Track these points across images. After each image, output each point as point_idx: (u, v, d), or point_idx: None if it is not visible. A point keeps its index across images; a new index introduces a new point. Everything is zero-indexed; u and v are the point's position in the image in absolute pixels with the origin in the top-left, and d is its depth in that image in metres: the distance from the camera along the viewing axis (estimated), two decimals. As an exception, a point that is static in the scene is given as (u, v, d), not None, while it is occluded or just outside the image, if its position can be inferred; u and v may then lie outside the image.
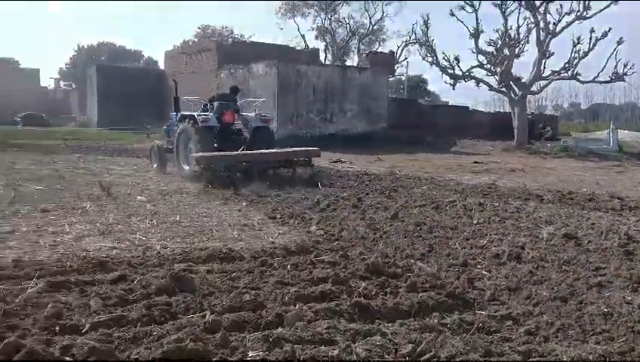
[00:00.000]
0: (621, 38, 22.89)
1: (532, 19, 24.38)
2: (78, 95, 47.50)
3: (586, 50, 23.44)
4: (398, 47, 43.55)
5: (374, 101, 26.53)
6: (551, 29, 24.04)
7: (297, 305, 3.35)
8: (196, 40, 43.05)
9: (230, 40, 42.36)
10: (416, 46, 29.74)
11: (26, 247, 4.89)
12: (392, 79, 39.22)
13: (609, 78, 23.86)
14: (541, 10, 24.15)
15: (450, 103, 38.85)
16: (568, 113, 60.89)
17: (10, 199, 7.34)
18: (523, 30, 24.88)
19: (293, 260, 4.48)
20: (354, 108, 25.96)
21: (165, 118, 16.03)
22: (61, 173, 10.75)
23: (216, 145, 10.94)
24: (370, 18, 47.08)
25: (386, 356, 2.72)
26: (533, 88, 25.83)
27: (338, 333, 2.95)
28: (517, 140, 24.82)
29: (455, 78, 26.05)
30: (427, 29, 26.82)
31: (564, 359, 2.79)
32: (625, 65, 23.29)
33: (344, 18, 47.91)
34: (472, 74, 26.10)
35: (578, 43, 23.60)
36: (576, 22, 23.52)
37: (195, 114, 11.30)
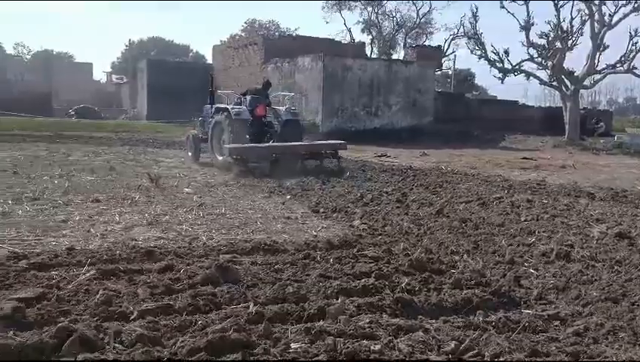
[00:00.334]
0: (682, 30, 21.93)
1: (586, 11, 23.60)
2: (129, 88, 48.76)
3: (644, 42, 22.55)
4: (446, 41, 43.03)
5: (420, 95, 26.24)
6: (606, 21, 23.20)
7: (340, 299, 3.35)
8: (243, 34, 43.49)
9: (276, 34, 42.60)
10: (465, 39, 29.22)
11: (79, 236, 5.06)
12: (438, 73, 38.69)
13: (668, 72, 22.89)
14: (596, 1, 23.32)
15: (498, 98, 38.06)
16: (623, 108, 58.72)
17: (65, 189, 7.61)
18: (576, 22, 24.13)
19: (336, 254, 4.49)
20: (399, 102, 25.74)
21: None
22: (112, 164, 11.08)
23: (248, 136, 11.40)
24: (417, 11, 46.57)
25: (429, 352, 2.69)
26: (586, 82, 25.03)
27: (380, 328, 2.94)
28: (568, 136, 24.11)
29: (504, 72, 25.48)
30: (476, 21, 26.32)
31: (614, 362, 2.71)
32: (685, 59, 22.29)
33: (391, 11, 47.59)
34: (521, 67, 25.49)
35: (635, 35, 22.72)
36: (634, 13, 22.62)
37: (229, 107, 11.77)
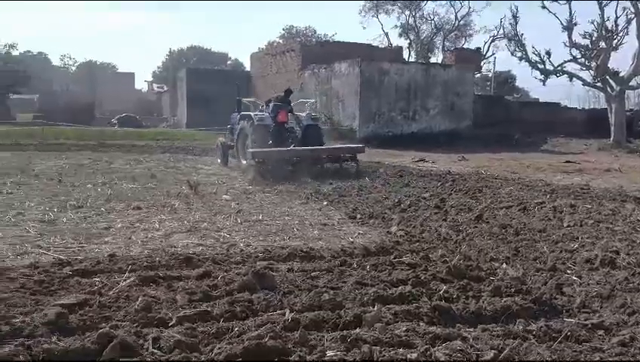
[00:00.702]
0: None
1: (632, 9, 22.90)
2: (169, 97, 49.76)
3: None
4: (485, 43, 42.44)
5: (459, 98, 25.92)
6: (653, 19, 22.47)
7: (376, 306, 3.32)
8: (281, 41, 43.86)
9: (314, 40, 42.81)
10: (505, 41, 28.77)
11: (120, 243, 5.18)
12: (478, 76, 38.18)
13: None
14: (642, -1, 22.63)
15: (540, 100, 37.26)
16: (672, 109, 56.65)
17: (107, 197, 7.81)
18: (622, 21, 23.45)
19: (372, 261, 4.46)
20: (437, 105, 25.49)
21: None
22: (153, 172, 11.31)
23: (271, 141, 11.81)
24: (455, 13, 46.07)
25: (467, 362, 2.65)
26: (632, 83, 24.26)
27: (417, 336, 2.90)
28: (613, 138, 23.41)
29: (546, 74, 24.97)
30: (516, 23, 25.87)
31: (663, 374, 2.60)
32: None
33: (429, 14, 47.18)
34: (564, 68, 24.91)
35: (683, 33, 21.92)
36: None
37: (252, 114, 12.50)
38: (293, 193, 8.66)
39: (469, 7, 45.65)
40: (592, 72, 24.21)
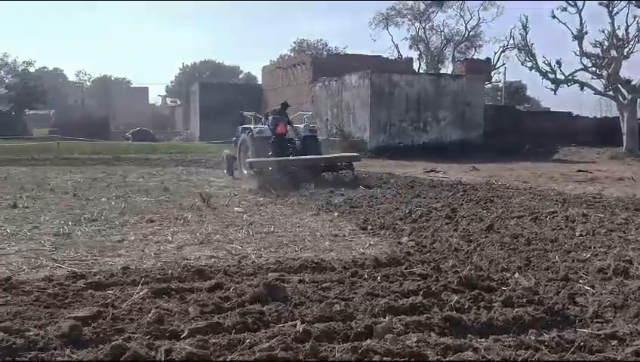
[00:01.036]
0: None
1: (643, 18, 22.82)
2: (182, 110, 50.17)
3: None
4: (495, 53, 42.36)
5: (470, 109, 25.90)
6: (664, 27, 22.38)
7: (387, 317, 3.32)
8: (292, 54, 44.13)
9: (324, 53, 43.02)
10: (515, 51, 28.74)
11: (134, 255, 5.23)
12: (488, 86, 38.12)
13: None
14: (653, 7, 22.56)
15: (551, 109, 37.09)
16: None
17: (121, 210, 7.89)
18: (632, 29, 23.35)
19: (383, 271, 4.46)
20: (448, 116, 25.49)
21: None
22: (166, 185, 11.40)
23: (270, 152, 12.45)
24: (465, 24, 46.10)
25: (478, 372, 2.64)
26: (644, 90, 24.10)
27: (428, 347, 2.90)
28: (626, 147, 23.24)
29: (557, 83, 24.90)
30: (526, 32, 25.87)
31: (677, 384, 2.58)
32: None
33: (438, 26, 47.23)
34: (575, 78, 24.82)
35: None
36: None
37: (252, 126, 13.36)
38: (304, 205, 8.69)
39: (479, 18, 45.60)
40: (603, 81, 24.11)
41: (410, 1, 45.55)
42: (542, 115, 32.12)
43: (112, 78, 73.65)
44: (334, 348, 2.87)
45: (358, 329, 3.13)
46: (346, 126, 26.22)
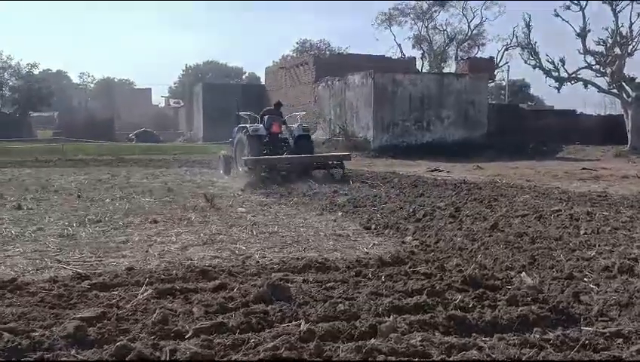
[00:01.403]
0: None
1: (646, 15, 22.74)
2: (185, 111, 50.25)
3: None
4: (499, 52, 42.23)
5: (473, 108, 25.87)
6: (668, 23, 22.28)
7: (391, 317, 3.32)
8: (295, 55, 44.16)
9: (327, 53, 43.03)
10: (518, 49, 28.69)
11: (138, 256, 5.24)
12: (492, 85, 38.05)
13: None
14: (657, 4, 22.48)
15: (555, 107, 37.01)
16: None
17: (125, 211, 7.91)
18: (636, 27, 23.35)
19: (387, 271, 4.46)
20: (451, 115, 25.46)
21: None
22: (170, 185, 11.42)
23: (265, 151, 13.05)
24: (468, 23, 46.02)
25: (483, 371, 2.64)
26: (649, 88, 24.02)
27: (433, 346, 2.89)
28: (630, 144, 23.17)
29: (560, 81, 24.85)
30: (529, 31, 25.83)
31: (683, 382, 2.57)
32: None
33: (441, 25, 47.18)
34: (578, 75, 24.76)
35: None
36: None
37: (248, 126, 13.71)
38: (308, 204, 8.69)
39: (482, 17, 45.54)
40: (607, 79, 24.05)
41: (413, 1, 45.53)
42: (546, 114, 32.01)
43: (116, 80, 73.82)
44: (339, 347, 2.87)
45: (363, 329, 3.13)
46: (350, 125, 26.23)
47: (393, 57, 41.68)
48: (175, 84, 67.50)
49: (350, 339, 3.02)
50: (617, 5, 23.65)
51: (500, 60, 41.70)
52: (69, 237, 6.09)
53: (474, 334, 3.13)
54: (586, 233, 5.90)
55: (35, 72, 47.56)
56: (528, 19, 26.00)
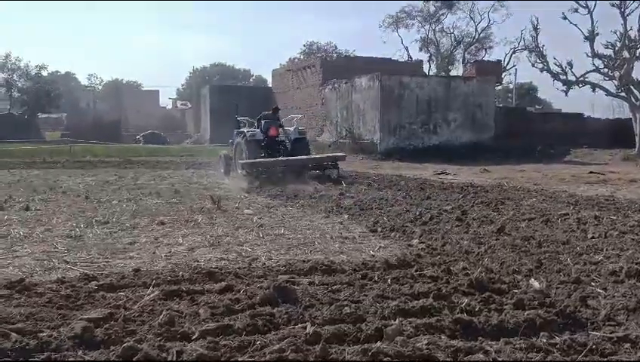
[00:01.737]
0: None
1: (655, 18, 22.62)
2: (193, 113, 50.39)
3: None
4: (506, 55, 42.18)
5: (480, 111, 25.81)
6: (678, 27, 22.17)
7: (397, 320, 3.32)
8: (302, 57, 44.22)
9: (334, 55, 43.06)
10: (526, 52, 28.62)
11: (145, 257, 5.26)
12: (499, 88, 37.95)
13: None
14: (666, 7, 22.35)
15: (563, 110, 36.86)
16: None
17: (132, 212, 7.94)
18: (645, 30, 23.14)
19: (393, 274, 4.45)
20: (458, 118, 25.41)
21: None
22: (176, 187, 11.45)
23: (263, 154, 13.59)
24: (475, 26, 45.96)
25: (489, 375, 2.63)
26: (658, 92, 23.89)
27: (439, 350, 2.89)
28: (638, 148, 23.05)
29: (568, 84, 24.76)
30: (537, 34, 25.76)
31: (691, 388, 2.55)
32: None
33: (448, 28, 47.14)
34: (586, 79, 24.67)
35: None
36: None
37: (246, 130, 14.37)
38: (314, 207, 8.69)
39: (489, 20, 45.45)
40: (615, 82, 23.93)
41: (420, 0, 45.51)
42: (553, 117, 31.88)
43: (124, 82, 74.14)
44: (344, 350, 2.87)
45: (369, 332, 3.12)
46: (356, 128, 26.23)
47: (400, 60, 41.66)
48: (182, 85, 67.81)
49: (356, 342, 3.02)
50: (626, 8, 23.54)
51: (508, 63, 41.66)
52: (76, 238, 6.12)
53: (480, 338, 3.12)
54: (593, 237, 5.88)
55: (44, 73, 47.88)
56: (536, 22, 25.95)
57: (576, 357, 2.87)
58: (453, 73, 43.12)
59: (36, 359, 2.70)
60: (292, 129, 14.79)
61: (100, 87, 72.87)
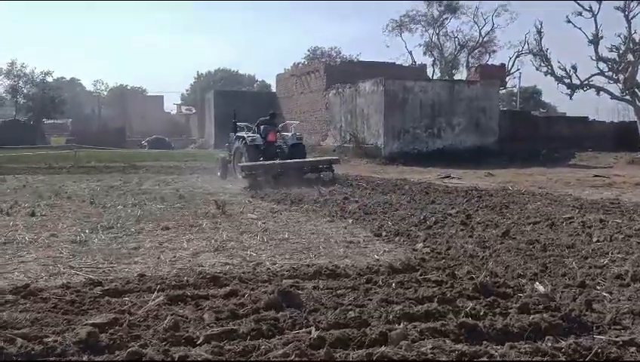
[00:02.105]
0: None
1: (659, 21, 22.61)
2: (197, 118, 50.52)
3: None
4: (510, 58, 42.09)
5: (484, 115, 25.76)
6: (682, 30, 22.12)
7: (402, 324, 3.31)
8: (306, 62, 44.29)
9: (338, 60, 43.11)
10: (530, 56, 28.60)
11: (149, 263, 5.27)
12: (503, 91, 37.91)
13: None
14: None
15: (567, 114, 36.78)
16: None
17: (137, 217, 7.96)
18: (650, 33, 23.10)
19: (398, 278, 4.45)
20: (462, 122, 25.37)
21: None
22: (181, 192, 11.47)
23: (261, 158, 14.07)
24: (479, 30, 45.95)
25: (494, 379, 2.62)
26: (662, 95, 23.83)
27: (443, 354, 2.88)
28: (644, 151, 22.96)
29: (572, 88, 24.73)
30: (541, 37, 25.74)
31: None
32: None
33: (452, 32, 47.15)
34: (591, 82, 24.61)
35: None
36: None
37: (245, 135, 14.86)
38: (318, 211, 8.69)
39: (493, 24, 45.41)
40: (620, 85, 23.89)
41: (424, 0, 45.51)
42: (558, 120, 31.79)
43: (128, 87, 74.43)
44: (349, 354, 2.87)
45: (373, 336, 3.12)
46: (360, 132, 26.23)
47: (404, 64, 41.69)
48: (187, 91, 67.98)
49: (361, 347, 3.02)
50: (630, 11, 23.51)
51: (512, 67, 41.61)
52: (81, 243, 6.14)
53: (485, 342, 3.11)
54: (598, 241, 5.87)
55: (49, 79, 48.15)
56: (540, 26, 25.95)
57: (581, 361, 2.86)
58: (457, 77, 43.10)
59: (42, 364, 2.71)
60: (289, 134, 15.40)
61: (105, 93, 73.19)
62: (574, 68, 24.77)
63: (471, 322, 3.33)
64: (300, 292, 3.95)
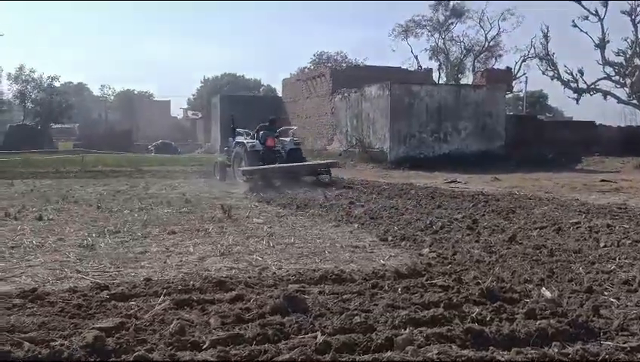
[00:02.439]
0: None
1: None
2: (203, 123, 50.67)
3: None
4: (516, 63, 42.02)
5: (490, 119, 25.71)
6: (689, 34, 22.03)
7: (408, 329, 3.31)
8: (312, 67, 44.36)
9: (344, 65, 43.15)
10: (536, 60, 28.54)
11: (156, 267, 5.29)
12: (509, 96, 37.83)
13: None
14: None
15: (574, 118, 36.64)
16: None
17: (143, 222, 7.98)
18: (656, 37, 23.02)
19: (404, 283, 4.44)
20: (469, 127, 25.33)
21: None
22: (187, 197, 11.49)
23: (261, 163, 14.49)
24: (485, 34, 45.91)
25: (500, 385, 2.61)
26: (670, 99, 23.73)
27: (449, 359, 2.88)
28: (652, 156, 22.85)
29: (579, 92, 24.69)
30: (547, 42, 25.72)
31: None
32: None
33: (458, 36, 47.14)
34: (597, 86, 24.56)
35: None
36: None
37: (245, 141, 15.40)
38: (324, 216, 8.69)
39: (499, 28, 45.36)
40: (627, 90, 23.82)
41: (430, 1, 45.54)
42: (564, 125, 31.70)
43: (135, 92, 74.78)
44: (355, 359, 2.87)
45: (379, 341, 3.12)
46: (366, 137, 26.24)
47: (410, 69, 41.70)
48: (193, 95, 68.22)
49: (366, 352, 3.02)
50: (637, 15, 23.46)
51: (518, 71, 41.54)
52: (88, 247, 6.17)
53: (491, 347, 3.10)
54: (605, 246, 5.84)
55: (57, 84, 48.48)
56: (546, 30, 25.94)
57: (588, 367, 2.85)
58: (463, 81, 43.13)
59: (48, 368, 2.72)
60: (288, 140, 15.98)
61: (112, 98, 73.54)
62: (581, 72, 24.81)
63: (477, 327, 3.33)
64: (305, 296, 3.95)
